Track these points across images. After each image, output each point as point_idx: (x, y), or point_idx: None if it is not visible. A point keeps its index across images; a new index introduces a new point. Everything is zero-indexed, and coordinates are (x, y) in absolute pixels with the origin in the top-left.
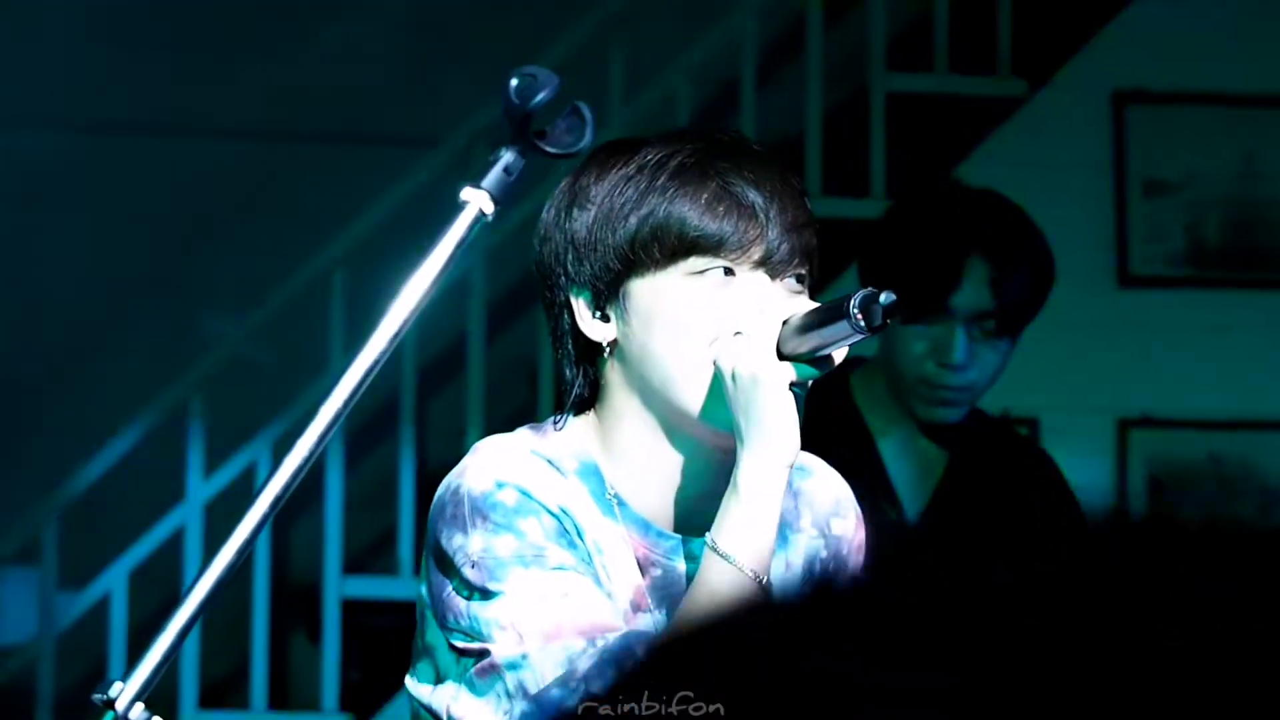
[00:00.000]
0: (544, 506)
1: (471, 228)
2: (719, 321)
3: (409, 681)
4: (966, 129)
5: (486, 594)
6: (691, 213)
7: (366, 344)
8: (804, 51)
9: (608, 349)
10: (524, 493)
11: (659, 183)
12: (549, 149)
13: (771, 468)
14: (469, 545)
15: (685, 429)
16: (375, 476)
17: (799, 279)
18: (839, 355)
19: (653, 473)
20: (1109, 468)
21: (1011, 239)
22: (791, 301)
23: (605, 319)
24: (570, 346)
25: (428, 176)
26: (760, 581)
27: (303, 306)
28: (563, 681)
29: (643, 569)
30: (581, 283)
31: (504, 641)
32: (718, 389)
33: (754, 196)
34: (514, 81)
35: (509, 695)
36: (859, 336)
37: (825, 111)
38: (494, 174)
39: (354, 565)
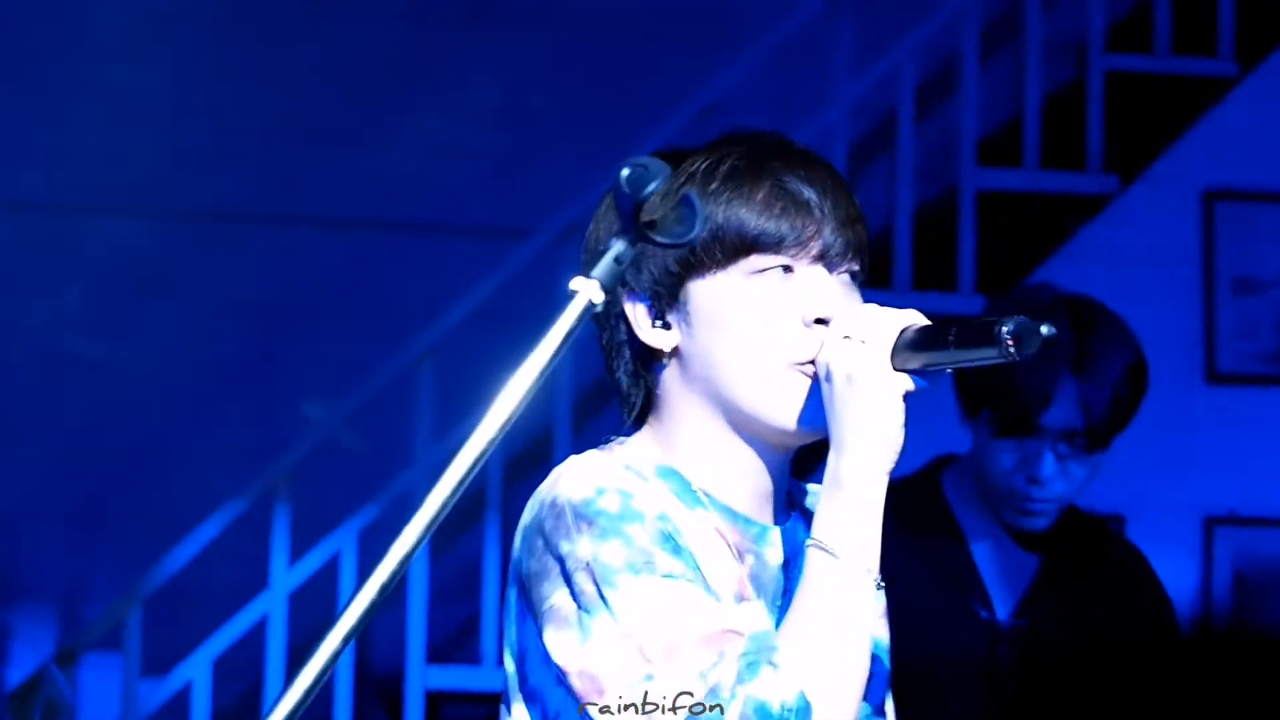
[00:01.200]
0: (646, 512)
1: (580, 318)
2: (783, 318)
3: None
4: (1056, 224)
5: (596, 606)
6: (749, 213)
7: (473, 435)
8: (895, 147)
9: (668, 356)
10: (626, 496)
11: (713, 186)
12: (659, 239)
13: (877, 471)
14: (577, 550)
15: (748, 428)
16: (459, 566)
17: (853, 275)
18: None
19: (725, 466)
20: (1195, 565)
21: (1106, 357)
22: (855, 298)
23: (666, 326)
24: (629, 357)
25: (517, 268)
26: (873, 577)
27: (391, 396)
28: (713, 695)
29: (739, 557)
30: (640, 290)
31: (624, 659)
32: (785, 390)
33: (809, 193)
34: (625, 171)
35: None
36: (997, 361)
37: (916, 206)
38: (605, 263)
39: (437, 655)
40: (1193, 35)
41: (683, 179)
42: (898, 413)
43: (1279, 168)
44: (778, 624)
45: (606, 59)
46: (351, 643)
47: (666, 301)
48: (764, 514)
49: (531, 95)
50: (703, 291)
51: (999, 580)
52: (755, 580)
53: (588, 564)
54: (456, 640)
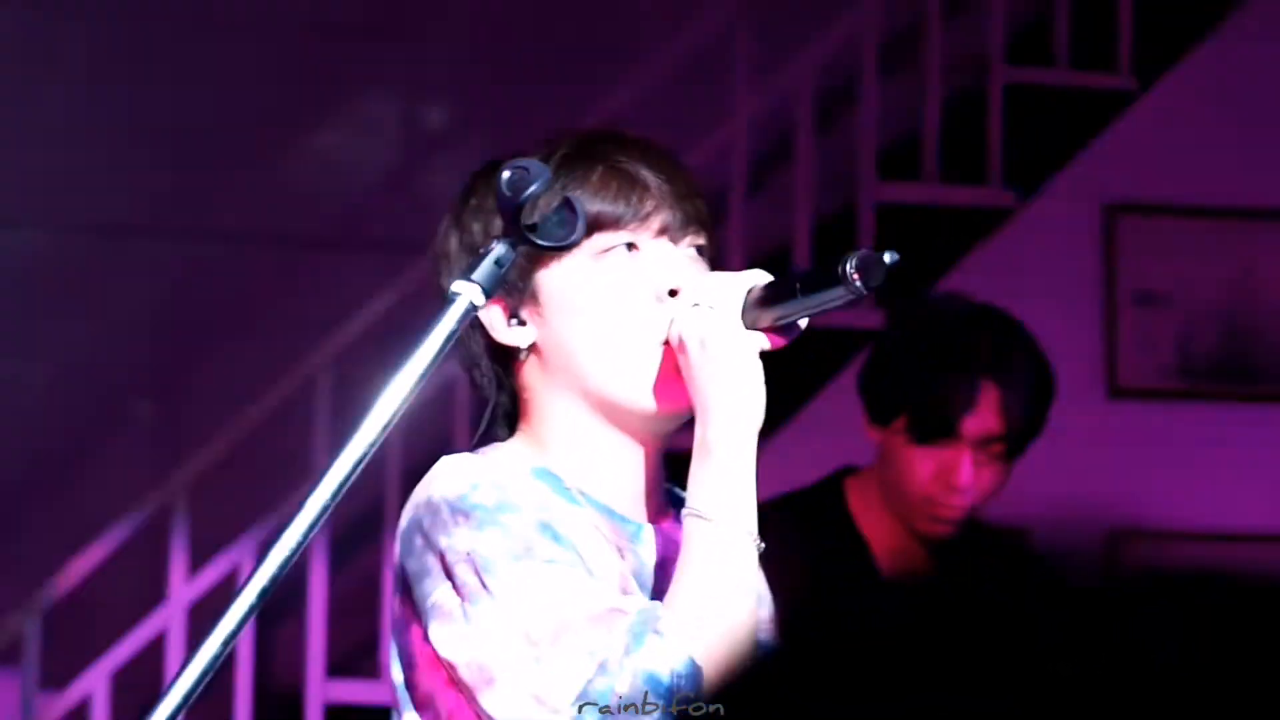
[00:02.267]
0: (522, 504)
1: (461, 321)
2: (633, 294)
3: None
4: (956, 239)
5: (479, 596)
6: (586, 194)
7: (354, 437)
8: (793, 160)
9: (525, 354)
10: (501, 489)
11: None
12: (540, 241)
13: (743, 433)
14: (456, 544)
15: (614, 417)
16: (359, 580)
17: (700, 250)
18: (802, 324)
19: (598, 463)
20: (1097, 580)
21: (1021, 363)
22: (702, 270)
23: (521, 323)
24: (488, 364)
25: (415, 282)
26: (752, 538)
27: (288, 410)
28: (602, 671)
29: (620, 554)
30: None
31: (511, 645)
32: (642, 369)
33: (643, 171)
34: (506, 174)
35: (538, 709)
36: (847, 300)
37: (815, 220)
38: (485, 266)
39: (337, 670)
40: (1092, 50)
41: (561, 182)
42: (756, 372)
43: (1179, 181)
44: None
45: (504, 72)
46: (250, 654)
47: (518, 297)
48: (639, 512)
49: (428, 109)
50: (552, 279)
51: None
52: (637, 577)
53: (468, 554)
54: (356, 654)
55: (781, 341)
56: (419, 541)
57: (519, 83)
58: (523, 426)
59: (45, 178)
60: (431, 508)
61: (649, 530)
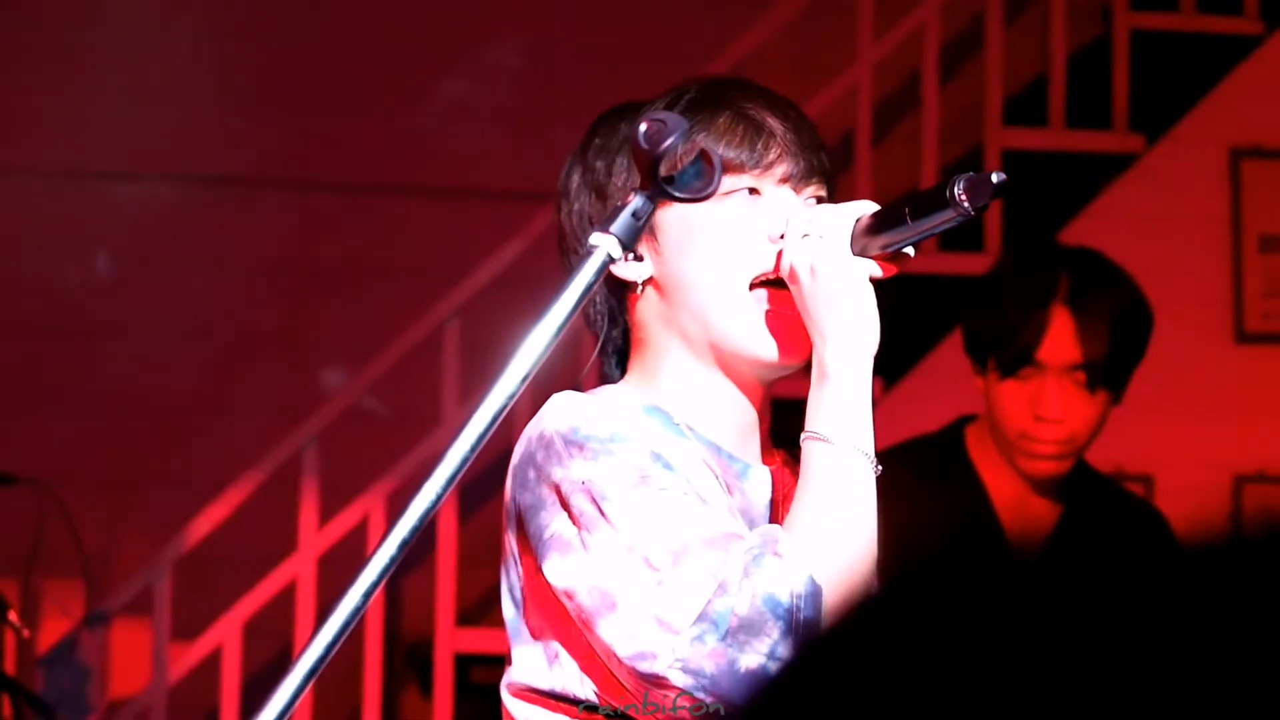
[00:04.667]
0: (634, 435)
1: (598, 273)
2: (749, 235)
3: (513, 683)
4: (1082, 184)
5: (598, 524)
6: (711, 138)
7: (493, 388)
8: (920, 106)
9: (642, 288)
10: (613, 421)
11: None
12: (678, 194)
13: (860, 355)
14: (571, 474)
15: (724, 358)
16: (488, 531)
17: (820, 201)
18: (911, 251)
19: (708, 402)
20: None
21: (1096, 290)
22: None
23: (639, 258)
24: (603, 299)
25: (541, 231)
26: (869, 459)
27: (418, 360)
28: (721, 592)
29: (727, 490)
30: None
31: (632, 573)
32: (758, 312)
33: (770, 119)
34: (643, 126)
35: (658, 631)
36: (956, 222)
37: (941, 167)
38: (622, 219)
39: (466, 619)
40: None
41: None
42: (868, 296)
43: None
44: None
45: (629, 20)
46: (380, 604)
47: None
48: (747, 452)
49: (555, 58)
50: (671, 216)
51: (1021, 534)
52: (745, 515)
53: (584, 484)
54: (485, 603)
55: (894, 269)
56: (532, 475)
57: (644, 29)
58: (634, 366)
59: (168, 130)
60: (544, 441)
61: (757, 470)
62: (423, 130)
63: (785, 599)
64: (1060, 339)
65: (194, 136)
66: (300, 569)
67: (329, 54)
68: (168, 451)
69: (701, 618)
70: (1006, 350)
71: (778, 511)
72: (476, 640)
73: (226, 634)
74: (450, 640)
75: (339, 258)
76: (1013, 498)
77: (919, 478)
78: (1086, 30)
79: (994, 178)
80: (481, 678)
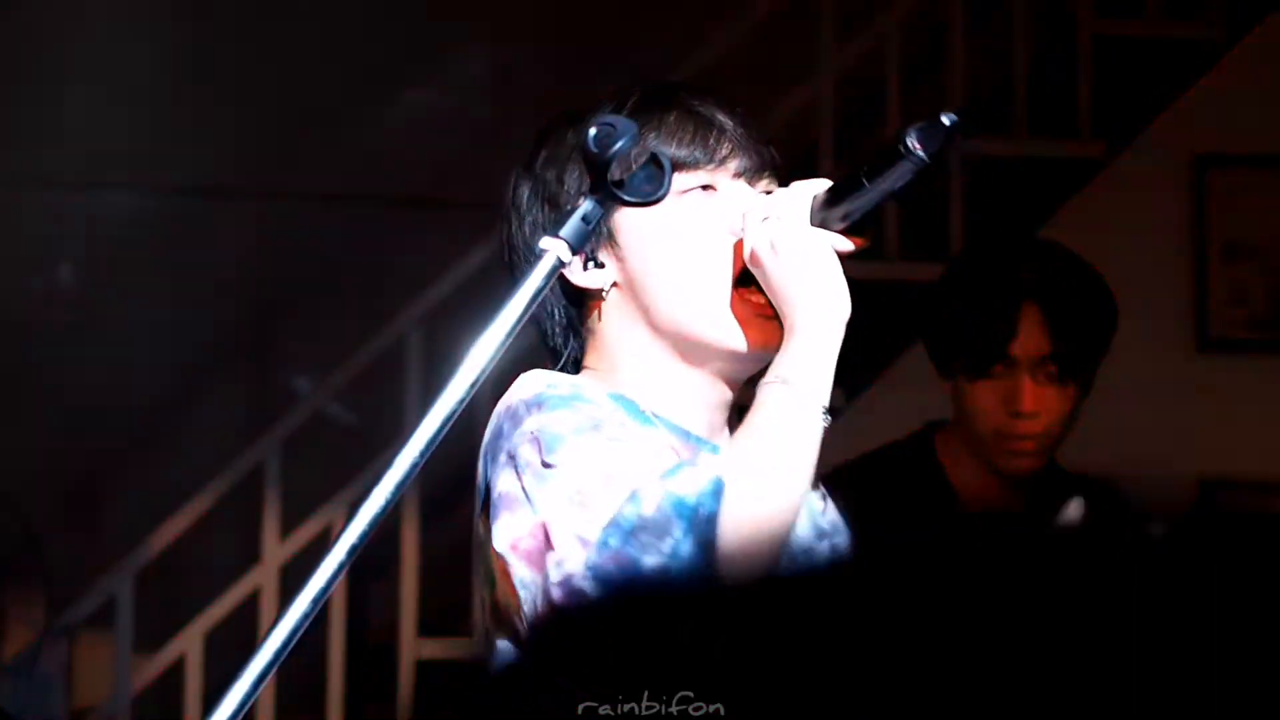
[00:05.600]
0: (596, 399)
1: (548, 277)
2: (709, 231)
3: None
4: (1046, 192)
5: (541, 473)
6: (662, 137)
7: (443, 394)
8: (884, 115)
9: (604, 294)
10: (576, 387)
11: None
12: (627, 197)
13: (829, 317)
14: (524, 426)
15: (693, 355)
16: (451, 539)
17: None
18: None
19: (675, 391)
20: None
21: (1064, 282)
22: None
23: (600, 265)
24: (562, 311)
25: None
26: (822, 407)
27: (380, 369)
28: (631, 499)
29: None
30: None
31: (563, 505)
32: (721, 305)
33: (719, 115)
34: (592, 131)
35: (579, 549)
36: (914, 173)
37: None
38: (572, 223)
39: (429, 628)
40: (1183, 2)
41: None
42: (832, 265)
43: (1268, 133)
44: None
45: (595, 28)
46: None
47: (595, 240)
48: (716, 435)
49: (517, 68)
50: (629, 221)
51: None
52: None
53: (533, 434)
54: (448, 612)
55: (860, 241)
56: (499, 445)
57: (609, 37)
58: (593, 363)
59: (136, 139)
60: (510, 412)
61: (725, 450)
62: (385, 140)
63: (691, 498)
64: (1031, 332)
65: (156, 147)
66: (263, 579)
67: (293, 65)
68: (130, 462)
69: (609, 524)
70: (976, 349)
71: None
72: (439, 648)
73: (189, 644)
74: (413, 647)
75: (301, 267)
76: (984, 501)
77: (889, 485)
78: (1049, 36)
79: (945, 119)
80: (443, 685)
